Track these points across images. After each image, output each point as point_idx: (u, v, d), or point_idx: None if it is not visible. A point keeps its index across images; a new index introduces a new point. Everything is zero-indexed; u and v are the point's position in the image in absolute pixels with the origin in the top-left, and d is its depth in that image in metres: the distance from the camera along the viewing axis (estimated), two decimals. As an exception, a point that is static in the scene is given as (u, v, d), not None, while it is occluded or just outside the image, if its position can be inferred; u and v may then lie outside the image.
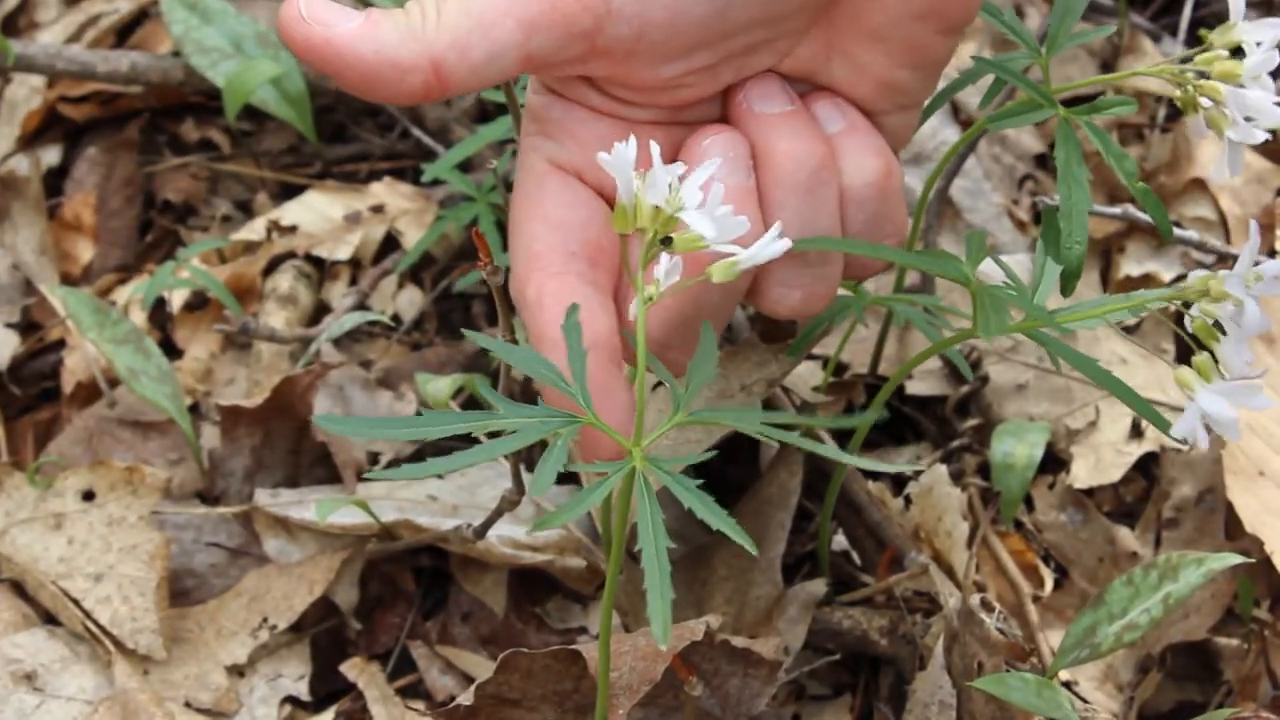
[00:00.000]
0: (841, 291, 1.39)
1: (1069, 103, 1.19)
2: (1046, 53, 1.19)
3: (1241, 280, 1.02)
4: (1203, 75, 1.12)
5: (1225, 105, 1.10)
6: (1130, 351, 1.65)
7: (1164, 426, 1.11)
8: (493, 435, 1.01)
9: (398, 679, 1.48)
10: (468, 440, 1.01)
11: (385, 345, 1.74)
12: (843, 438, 1.50)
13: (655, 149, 0.98)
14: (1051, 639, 1.43)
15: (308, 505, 1.51)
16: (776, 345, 1.41)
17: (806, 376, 1.60)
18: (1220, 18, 1.13)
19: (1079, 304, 1.16)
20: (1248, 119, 1.10)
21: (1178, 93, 1.12)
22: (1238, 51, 1.12)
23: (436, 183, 1.85)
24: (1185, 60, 1.13)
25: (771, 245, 1.00)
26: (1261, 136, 1.09)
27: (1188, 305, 1.08)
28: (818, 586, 1.42)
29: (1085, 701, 1.28)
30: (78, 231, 1.86)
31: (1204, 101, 1.12)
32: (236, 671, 1.46)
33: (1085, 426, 1.61)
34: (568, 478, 1.35)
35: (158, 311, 1.77)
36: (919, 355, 1.25)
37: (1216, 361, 1.08)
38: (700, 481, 0.99)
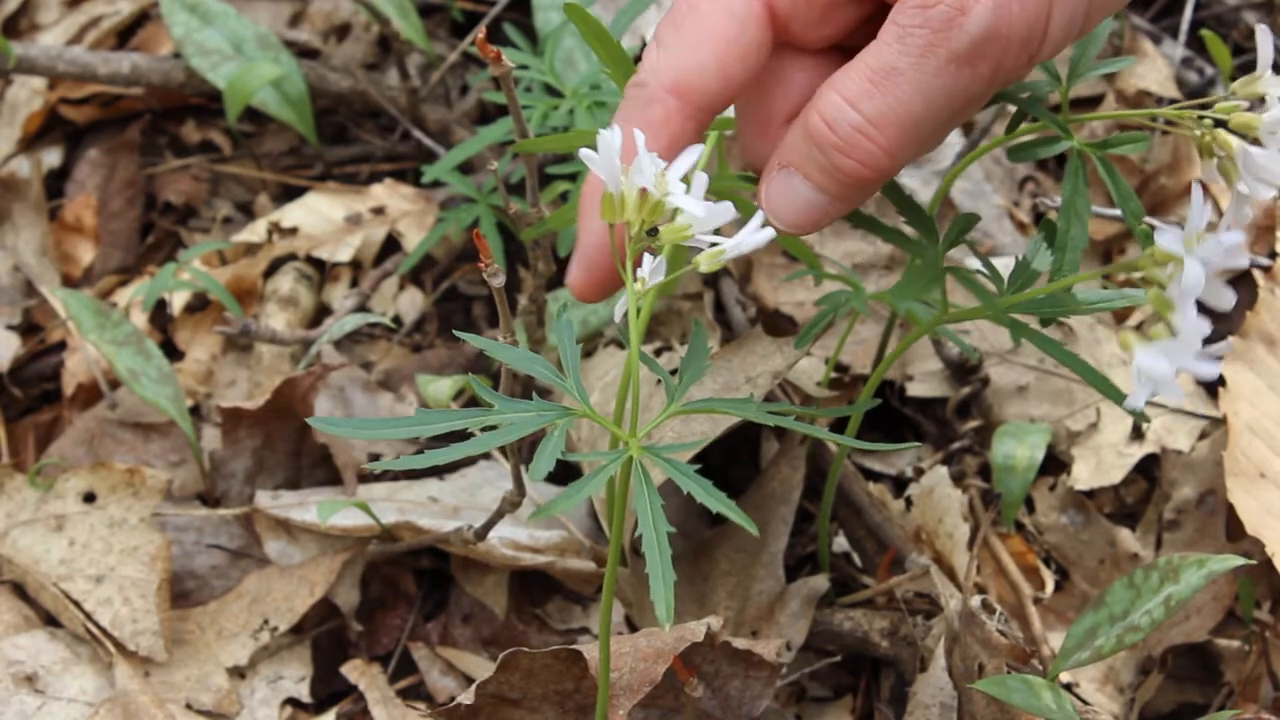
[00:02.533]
0: (841, 288, 1.39)
1: (1070, 104, 1.19)
2: (1067, 81, 1.18)
3: (1180, 238, 1.01)
4: (1221, 124, 1.11)
5: (1236, 160, 1.09)
6: (1131, 353, 1.65)
7: (1144, 419, 1.11)
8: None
9: (399, 680, 1.48)
10: (466, 439, 1.01)
11: (386, 347, 1.74)
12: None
13: (640, 137, 0.97)
14: (1052, 640, 1.43)
15: (309, 507, 1.51)
16: (781, 338, 1.41)
17: (811, 372, 1.60)
18: (1220, 20, 1.13)
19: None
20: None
21: (1195, 132, 1.11)
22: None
23: (437, 184, 1.85)
24: (1205, 106, 1.12)
25: (756, 234, 1.00)
26: (1270, 194, 1.08)
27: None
28: (820, 582, 1.42)
29: (1086, 703, 1.28)
30: (79, 233, 1.86)
31: (1218, 151, 1.11)
32: (237, 673, 1.46)
33: (1086, 428, 1.61)
34: (569, 477, 1.35)
35: (159, 313, 1.77)
36: (908, 338, 1.25)
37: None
38: (699, 466, 0.99)
